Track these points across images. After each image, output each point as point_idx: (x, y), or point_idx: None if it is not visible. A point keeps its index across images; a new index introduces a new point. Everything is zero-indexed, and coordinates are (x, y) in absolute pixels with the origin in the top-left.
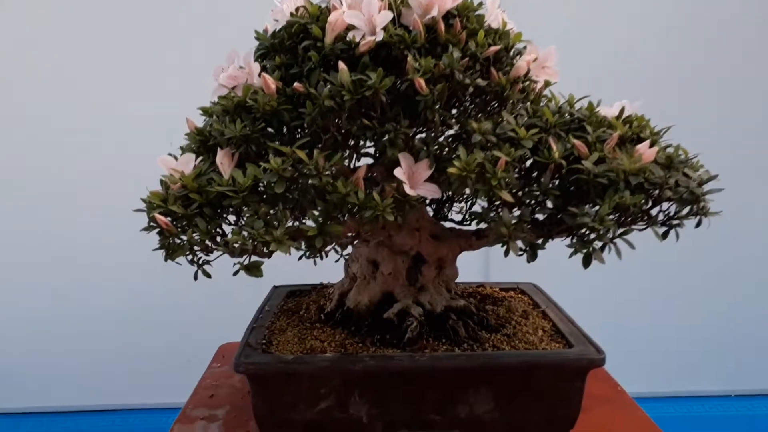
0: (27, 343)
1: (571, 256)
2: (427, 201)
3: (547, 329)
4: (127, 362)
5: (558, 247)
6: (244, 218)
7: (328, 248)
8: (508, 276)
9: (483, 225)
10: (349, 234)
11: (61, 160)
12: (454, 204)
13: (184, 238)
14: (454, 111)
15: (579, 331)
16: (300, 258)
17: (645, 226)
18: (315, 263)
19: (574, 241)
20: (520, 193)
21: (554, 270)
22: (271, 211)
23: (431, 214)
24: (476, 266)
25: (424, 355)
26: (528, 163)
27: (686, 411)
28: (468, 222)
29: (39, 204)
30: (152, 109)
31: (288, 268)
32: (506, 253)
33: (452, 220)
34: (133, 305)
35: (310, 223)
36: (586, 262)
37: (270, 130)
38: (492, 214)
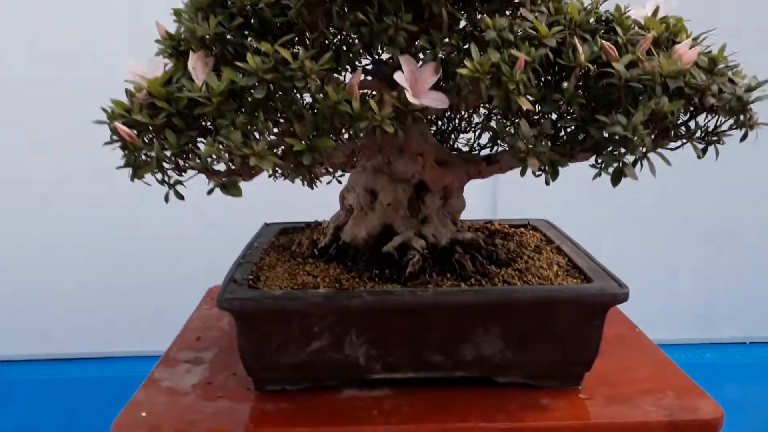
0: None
1: (595, 177)
2: (432, 117)
3: (562, 264)
4: (110, 308)
5: (570, 186)
6: (221, 130)
7: (320, 171)
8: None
9: (495, 151)
10: (343, 155)
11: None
12: (460, 136)
13: (153, 154)
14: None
15: (598, 266)
16: (284, 177)
17: (680, 143)
18: (312, 186)
19: (603, 156)
20: (537, 107)
21: (565, 213)
22: (251, 124)
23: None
24: (482, 207)
25: (427, 290)
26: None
27: (699, 358)
28: (477, 151)
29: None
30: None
31: (282, 209)
32: (523, 172)
33: (459, 150)
34: (118, 248)
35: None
36: (616, 179)
37: (249, 31)
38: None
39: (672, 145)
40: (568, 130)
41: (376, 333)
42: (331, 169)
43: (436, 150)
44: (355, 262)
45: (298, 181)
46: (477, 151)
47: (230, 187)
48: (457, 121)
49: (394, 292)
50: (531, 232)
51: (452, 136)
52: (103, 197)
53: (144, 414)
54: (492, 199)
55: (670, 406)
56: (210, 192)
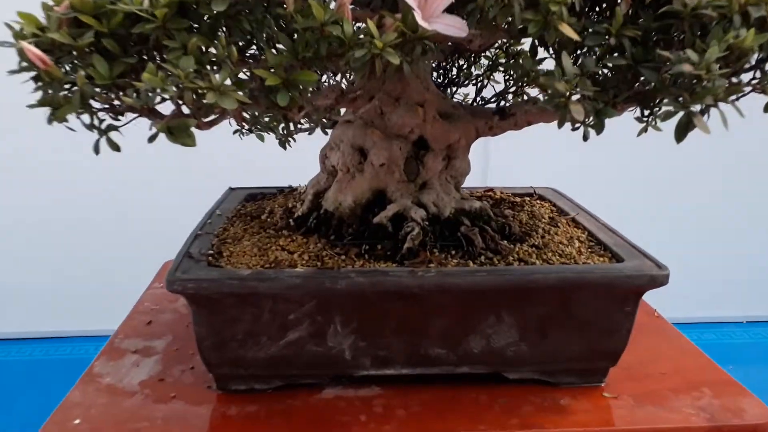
0: None
1: (640, 134)
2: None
3: (583, 239)
4: (52, 284)
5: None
6: (167, 56)
7: (298, 117)
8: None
9: (510, 103)
10: (329, 98)
11: None
12: (458, 91)
13: (76, 87)
14: None
15: (626, 242)
16: (249, 131)
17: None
18: (285, 145)
19: (664, 103)
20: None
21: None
22: (208, 48)
23: None
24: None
25: (429, 270)
26: None
27: (696, 339)
28: (488, 101)
29: None
30: None
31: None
32: (561, 123)
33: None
34: (59, 215)
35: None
36: (682, 132)
37: None
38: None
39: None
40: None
41: (365, 321)
42: (308, 121)
43: (438, 100)
44: (339, 235)
45: (268, 139)
46: (487, 101)
47: (179, 132)
48: (455, 71)
49: (390, 272)
50: (539, 202)
51: (447, 90)
52: (36, 156)
53: (77, 422)
54: (483, 159)
55: (709, 407)
56: (152, 139)
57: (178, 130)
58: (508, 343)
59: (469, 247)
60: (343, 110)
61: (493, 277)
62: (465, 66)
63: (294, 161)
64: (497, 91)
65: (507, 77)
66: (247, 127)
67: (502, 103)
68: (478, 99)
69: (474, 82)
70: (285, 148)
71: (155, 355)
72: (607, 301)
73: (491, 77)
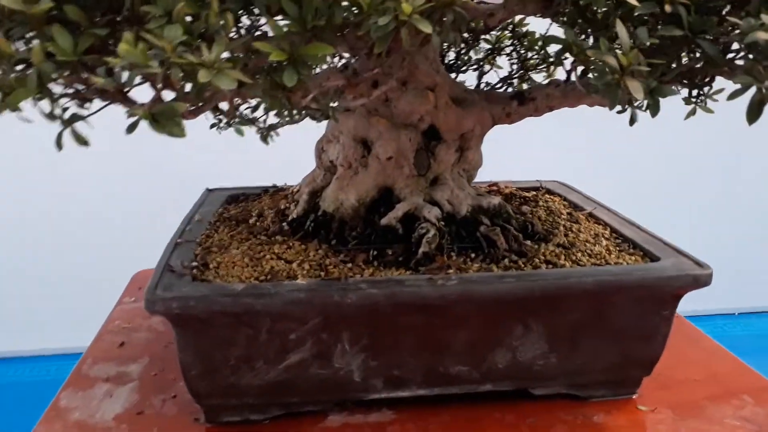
0: None
1: (688, 116)
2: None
3: (607, 236)
4: (14, 298)
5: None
6: (148, 24)
7: (302, 102)
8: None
9: (529, 87)
10: (341, 77)
11: None
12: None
13: (32, 68)
14: None
15: (656, 238)
16: (228, 123)
17: None
18: (267, 139)
19: (738, 77)
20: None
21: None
22: (198, 16)
23: None
24: None
25: (450, 278)
26: None
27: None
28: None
29: None
30: None
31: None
32: (612, 104)
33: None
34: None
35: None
36: (755, 112)
37: None
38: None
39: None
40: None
41: (377, 338)
42: (304, 111)
43: (450, 84)
44: (342, 239)
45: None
46: (507, 85)
47: (165, 119)
48: (452, 55)
49: (405, 281)
50: (548, 196)
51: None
52: None
53: None
54: None
55: (755, 417)
56: (131, 129)
57: (164, 117)
58: (535, 356)
59: (491, 249)
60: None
61: (524, 283)
62: (464, 50)
63: (276, 157)
64: (500, 77)
65: (514, 60)
66: (225, 119)
67: (509, 89)
68: (483, 85)
69: (475, 67)
70: (267, 143)
71: (131, 382)
72: (645, 305)
73: (493, 62)
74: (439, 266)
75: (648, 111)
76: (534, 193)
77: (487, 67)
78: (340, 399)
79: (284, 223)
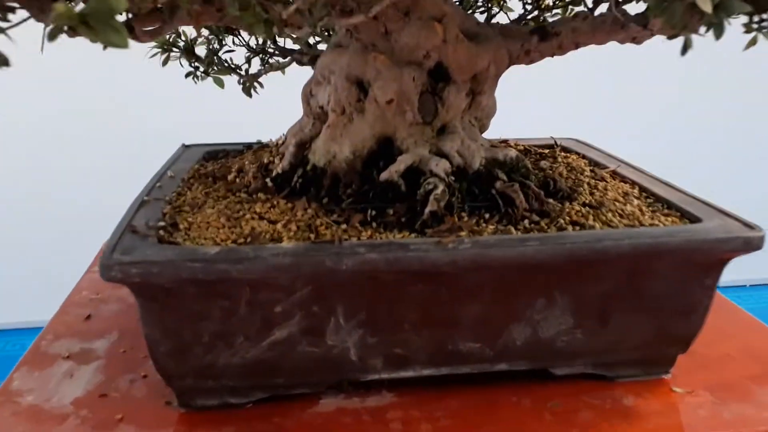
0: None
1: (748, 46)
2: None
3: (638, 196)
4: None
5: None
6: None
7: (291, 27)
8: None
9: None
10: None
11: None
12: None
13: None
14: None
15: (695, 198)
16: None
17: None
18: (250, 92)
19: None
20: None
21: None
22: None
23: None
24: None
25: (462, 241)
26: None
27: None
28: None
29: None
30: None
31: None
32: (675, 25)
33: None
34: None
35: None
36: None
37: None
38: None
39: None
40: None
41: (377, 311)
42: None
43: (461, 16)
44: (335, 197)
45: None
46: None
47: (99, 23)
48: None
49: (410, 245)
50: (565, 154)
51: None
52: None
53: None
54: None
55: None
56: (52, 36)
57: (97, 20)
58: (559, 332)
59: (508, 209)
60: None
61: (550, 247)
62: None
63: (263, 116)
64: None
65: (527, 1)
66: (202, 68)
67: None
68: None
69: (482, 9)
70: (250, 95)
71: (95, 360)
72: (686, 273)
73: (503, 2)
74: (449, 228)
75: (712, 32)
76: (550, 149)
77: (495, 9)
78: (335, 380)
79: (268, 179)
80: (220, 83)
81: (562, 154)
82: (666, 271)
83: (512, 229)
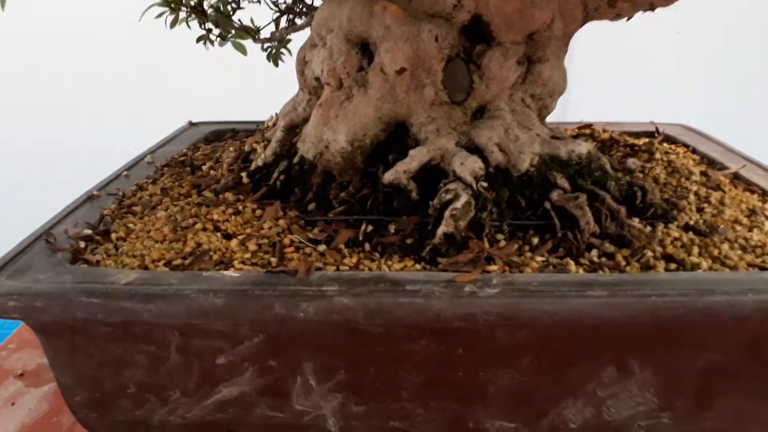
0: None
1: None
2: None
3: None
4: None
5: None
6: None
7: None
8: None
9: None
10: None
11: None
12: None
13: None
14: None
15: None
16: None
17: None
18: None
19: None
20: None
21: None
22: None
23: None
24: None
25: (488, 282)
26: None
27: None
28: None
29: None
30: None
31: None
32: None
33: None
34: None
35: None
36: None
37: None
38: None
39: None
40: None
41: (362, 370)
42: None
43: None
44: (325, 202)
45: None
46: None
47: None
48: None
49: (407, 283)
50: (668, 146)
51: None
52: None
53: None
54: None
55: None
56: None
57: None
58: (636, 413)
59: (568, 231)
60: None
61: (626, 301)
62: None
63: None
64: None
65: None
66: (217, 30)
67: None
68: None
69: None
70: (277, 65)
71: (47, 384)
72: None
73: None
74: (473, 258)
75: None
76: (647, 140)
77: None
78: None
79: (244, 174)
80: (242, 49)
81: (664, 146)
82: None
83: (571, 263)
